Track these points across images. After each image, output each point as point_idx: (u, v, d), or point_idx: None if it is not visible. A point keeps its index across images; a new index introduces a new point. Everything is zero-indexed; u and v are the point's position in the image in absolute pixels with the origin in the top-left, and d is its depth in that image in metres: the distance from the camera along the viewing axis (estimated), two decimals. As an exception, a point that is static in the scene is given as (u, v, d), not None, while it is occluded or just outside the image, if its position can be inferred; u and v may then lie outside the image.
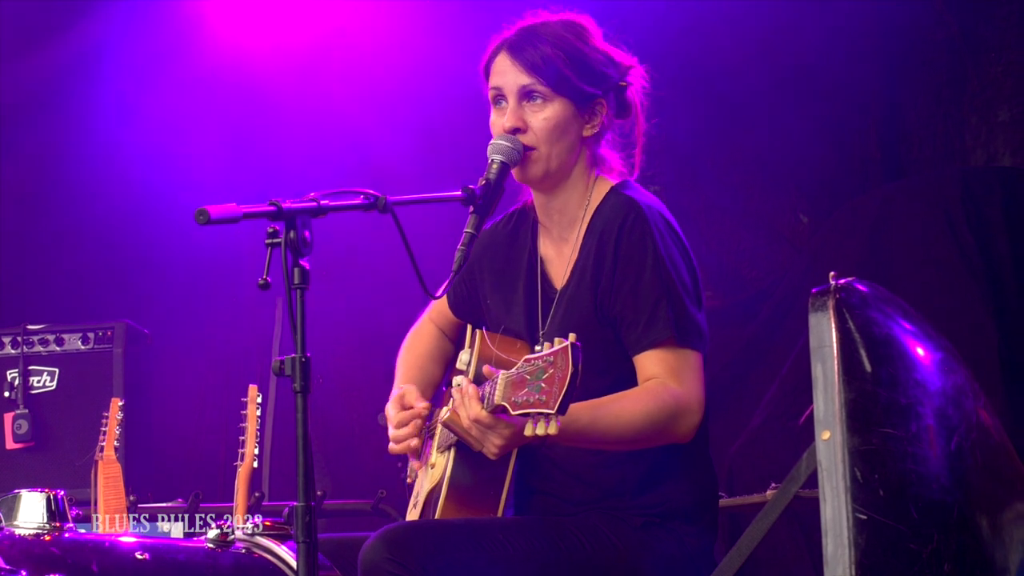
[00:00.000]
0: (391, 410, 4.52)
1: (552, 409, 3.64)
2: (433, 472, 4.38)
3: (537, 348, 4.19)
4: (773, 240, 7.90)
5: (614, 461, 4.22)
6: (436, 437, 4.46)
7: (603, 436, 4.06)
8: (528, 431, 3.70)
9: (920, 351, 3.77)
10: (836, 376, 3.64)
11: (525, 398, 3.70)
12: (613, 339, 4.24)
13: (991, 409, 3.90)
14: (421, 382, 4.66)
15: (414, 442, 4.48)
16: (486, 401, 3.90)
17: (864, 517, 3.56)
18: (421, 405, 4.48)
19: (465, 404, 3.95)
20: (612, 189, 4.34)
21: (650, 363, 4.17)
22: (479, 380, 4.05)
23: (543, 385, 3.67)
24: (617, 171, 4.41)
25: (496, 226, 4.59)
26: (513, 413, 3.74)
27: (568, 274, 4.36)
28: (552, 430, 3.66)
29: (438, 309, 4.77)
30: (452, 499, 4.23)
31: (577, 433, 3.98)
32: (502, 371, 3.83)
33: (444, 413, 4.13)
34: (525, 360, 3.75)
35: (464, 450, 4.18)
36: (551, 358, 3.68)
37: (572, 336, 3.67)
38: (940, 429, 3.71)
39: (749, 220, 7.93)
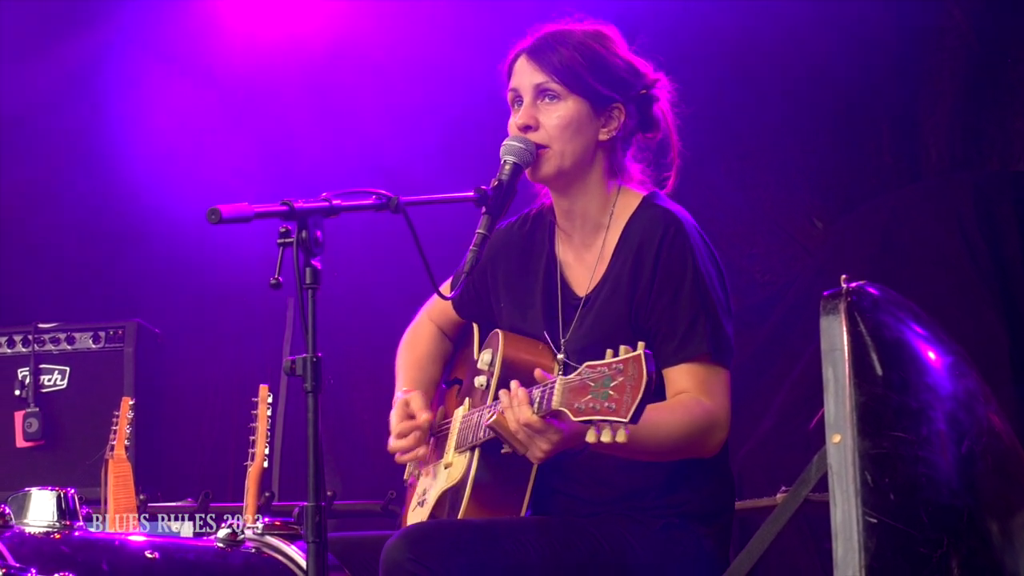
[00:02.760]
0: (394, 417, 4.53)
1: (625, 418, 3.62)
2: (451, 471, 4.38)
3: (560, 356, 4.24)
4: (786, 244, 7.90)
5: (637, 464, 4.21)
6: (452, 436, 4.45)
7: (640, 447, 4.03)
8: (591, 438, 3.68)
9: (931, 355, 3.77)
10: (847, 379, 3.64)
11: (590, 405, 3.68)
12: None
13: (1002, 413, 3.90)
14: (422, 382, 4.67)
15: (421, 451, 4.49)
16: (537, 405, 3.88)
17: (874, 521, 3.56)
18: (424, 417, 4.48)
19: (515, 408, 3.93)
20: (644, 200, 4.33)
21: (682, 377, 4.18)
22: (503, 382, 4.04)
23: (611, 393, 3.65)
24: (638, 182, 4.40)
25: (511, 227, 4.58)
26: (575, 419, 3.72)
27: (595, 282, 4.34)
28: (621, 438, 3.64)
29: (439, 308, 4.76)
30: (476, 500, 4.22)
31: (615, 442, 3.98)
32: (559, 376, 3.81)
33: (488, 416, 4.12)
34: (588, 366, 3.73)
35: (489, 451, 4.18)
36: (620, 366, 3.67)
37: (642, 345, 3.67)
38: (951, 433, 3.71)
39: (762, 224, 7.93)
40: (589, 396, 3.69)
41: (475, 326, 4.63)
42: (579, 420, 3.71)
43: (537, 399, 3.89)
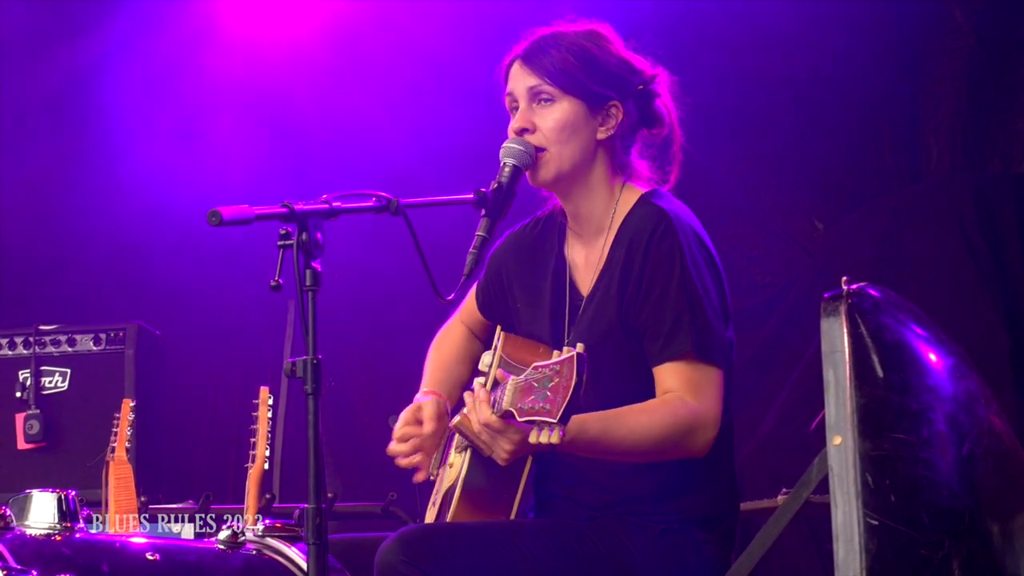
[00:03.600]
0: (401, 420, 4.51)
1: (554, 419, 3.63)
2: (451, 472, 4.39)
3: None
4: (787, 245, 7.90)
5: (636, 467, 4.20)
6: (456, 436, 4.46)
7: (614, 448, 4.05)
8: (532, 438, 3.70)
9: (932, 356, 3.77)
10: (848, 381, 3.64)
11: (531, 405, 3.69)
12: (638, 350, 4.23)
13: (1003, 415, 3.90)
14: (446, 384, 4.66)
15: (417, 458, 4.47)
16: (496, 406, 3.89)
17: (875, 522, 3.56)
18: (429, 428, 4.46)
19: (476, 408, 3.95)
20: (641, 197, 4.32)
21: (668, 376, 4.15)
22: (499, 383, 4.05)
23: (548, 393, 3.66)
24: (646, 179, 4.40)
25: (524, 228, 4.59)
26: (519, 419, 3.73)
27: (594, 281, 4.35)
28: (554, 439, 3.65)
29: (468, 309, 4.76)
30: (466, 500, 4.23)
31: (587, 444, 3.98)
32: (512, 376, 3.82)
33: (456, 417, 4.13)
34: (534, 367, 3.74)
35: (479, 452, 4.18)
36: (557, 367, 3.67)
37: (580, 346, 3.67)
38: (951, 435, 3.71)
39: (762, 225, 7.93)
40: (532, 396, 3.70)
41: (499, 328, 4.63)
42: (523, 420, 3.73)
43: (496, 399, 3.90)
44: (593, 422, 3.97)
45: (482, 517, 4.22)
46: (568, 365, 3.65)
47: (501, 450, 3.96)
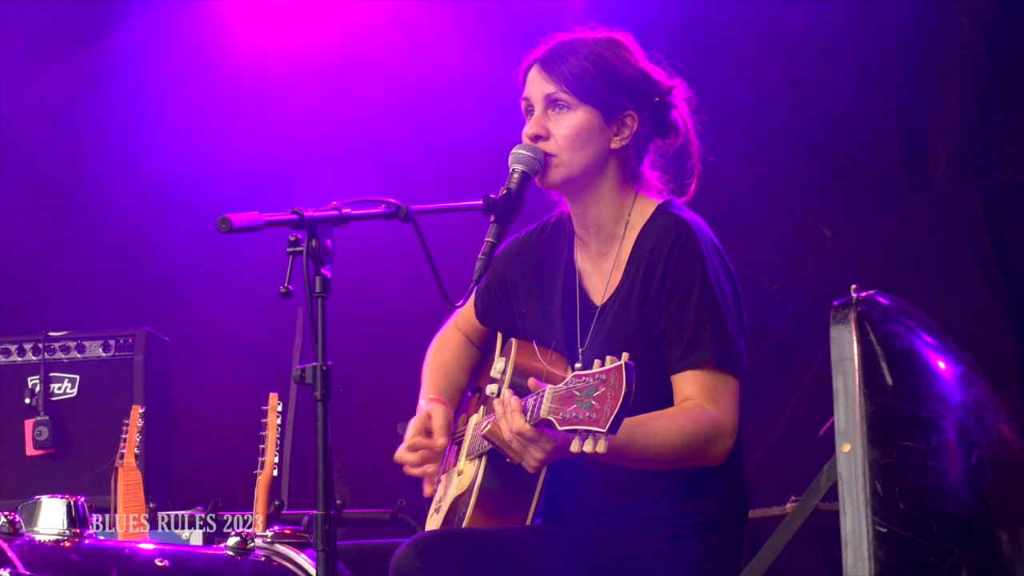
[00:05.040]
0: (411, 427, 4.52)
1: (603, 428, 3.62)
2: (461, 479, 4.38)
3: (577, 365, 4.21)
4: (795, 252, 7.89)
5: (649, 472, 4.21)
6: (465, 443, 4.46)
7: (639, 455, 4.05)
8: (575, 447, 3.69)
9: (941, 364, 3.77)
10: (857, 389, 3.65)
11: (574, 414, 3.68)
12: (657, 359, 4.23)
13: (1012, 423, 3.90)
14: (448, 388, 4.67)
15: (430, 468, 4.48)
16: (530, 414, 3.89)
17: (884, 530, 3.56)
18: (440, 441, 4.47)
19: (508, 417, 3.93)
20: (659, 208, 4.33)
21: (688, 384, 4.17)
22: (514, 390, 4.04)
23: (594, 403, 3.65)
24: (658, 190, 4.40)
25: (530, 235, 4.59)
26: (560, 428, 3.73)
27: (611, 291, 4.34)
28: (601, 448, 3.64)
29: (464, 316, 4.76)
30: (481, 507, 4.22)
31: (614, 451, 3.97)
32: (549, 385, 3.81)
33: (484, 425, 4.12)
34: (575, 376, 3.74)
35: (496, 459, 4.17)
36: (603, 376, 3.67)
37: (625, 356, 3.67)
38: (961, 442, 3.71)
39: (771, 232, 7.93)
40: (575, 405, 3.69)
41: (499, 334, 4.63)
42: (564, 429, 3.72)
43: (529, 408, 3.90)
44: (620, 429, 3.97)
45: (497, 523, 4.22)
46: (616, 375, 3.65)
47: (532, 458, 3.95)
